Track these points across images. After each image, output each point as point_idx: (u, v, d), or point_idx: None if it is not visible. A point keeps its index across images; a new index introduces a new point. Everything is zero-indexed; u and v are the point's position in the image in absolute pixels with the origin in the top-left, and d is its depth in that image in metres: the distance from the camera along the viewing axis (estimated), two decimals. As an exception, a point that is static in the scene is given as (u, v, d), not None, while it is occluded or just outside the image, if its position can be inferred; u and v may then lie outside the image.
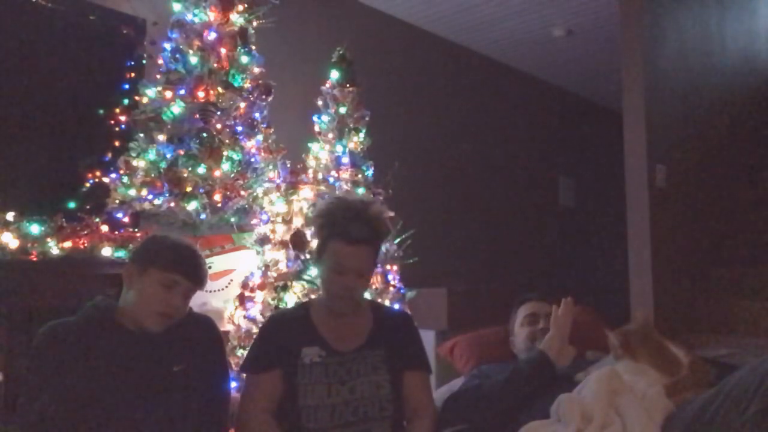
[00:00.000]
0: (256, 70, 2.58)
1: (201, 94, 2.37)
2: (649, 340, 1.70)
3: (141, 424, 1.46)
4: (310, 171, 2.81)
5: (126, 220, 2.30)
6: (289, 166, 2.66)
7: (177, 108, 2.35)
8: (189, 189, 2.27)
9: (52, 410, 1.41)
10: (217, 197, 2.31)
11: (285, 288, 2.40)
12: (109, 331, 1.51)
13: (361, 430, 1.60)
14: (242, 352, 2.23)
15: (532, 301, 2.11)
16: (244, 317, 2.34)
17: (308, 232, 2.45)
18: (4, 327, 2.03)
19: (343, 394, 1.61)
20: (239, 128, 2.44)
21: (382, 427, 1.62)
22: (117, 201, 2.31)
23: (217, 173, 2.32)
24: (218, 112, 2.37)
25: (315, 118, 2.94)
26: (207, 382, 1.59)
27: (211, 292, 2.37)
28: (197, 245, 2.28)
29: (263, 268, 2.42)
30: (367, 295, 2.45)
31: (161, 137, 2.33)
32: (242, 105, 2.47)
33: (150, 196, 2.28)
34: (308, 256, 2.45)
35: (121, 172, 2.33)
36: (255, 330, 2.24)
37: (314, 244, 2.27)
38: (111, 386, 1.45)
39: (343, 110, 2.88)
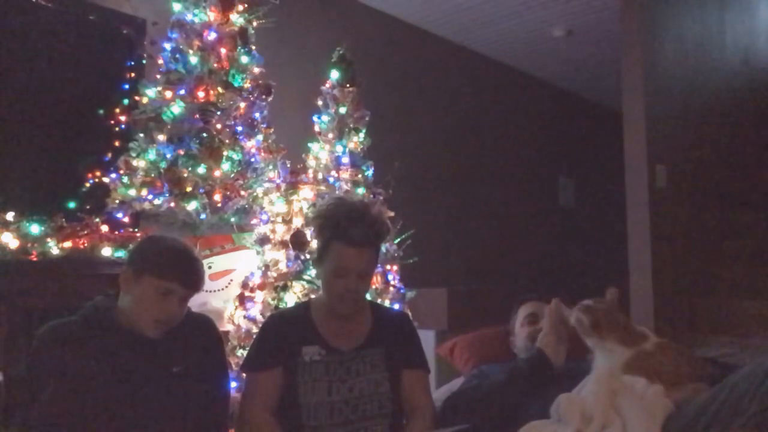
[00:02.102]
0: (256, 70, 2.57)
1: (201, 94, 2.37)
2: (611, 316, 1.70)
3: (140, 424, 1.46)
4: (310, 171, 2.81)
5: (126, 220, 2.30)
6: (289, 166, 2.66)
7: (177, 108, 2.34)
8: (189, 189, 2.27)
9: (52, 410, 1.41)
10: (217, 197, 2.31)
11: (285, 288, 2.40)
12: (109, 331, 1.50)
13: (360, 428, 1.61)
14: (242, 352, 2.23)
15: (532, 301, 2.10)
16: (244, 317, 2.33)
17: (308, 232, 2.45)
18: (4, 327, 2.03)
19: (343, 393, 1.62)
20: (239, 128, 2.44)
21: (382, 425, 1.63)
22: (117, 201, 2.31)
23: (217, 173, 2.32)
24: (218, 112, 2.37)
25: (315, 118, 2.94)
26: (206, 383, 1.59)
27: (211, 292, 2.37)
28: (197, 245, 2.30)
29: (263, 268, 2.42)
30: (367, 296, 2.46)
31: (161, 137, 2.33)
32: (242, 105, 2.47)
33: (150, 196, 2.28)
34: (308, 256, 2.45)
35: (121, 172, 2.33)
36: (255, 330, 2.24)
37: (314, 244, 2.28)
38: (110, 386, 1.45)
39: (343, 110, 2.88)
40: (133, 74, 2.73)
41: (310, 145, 2.92)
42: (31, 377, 1.47)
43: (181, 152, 2.30)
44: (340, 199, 1.77)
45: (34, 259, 2.10)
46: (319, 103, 2.94)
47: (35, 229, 2.12)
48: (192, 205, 2.27)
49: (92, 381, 1.44)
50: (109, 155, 2.50)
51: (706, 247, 3.69)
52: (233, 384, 2.13)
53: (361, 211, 1.66)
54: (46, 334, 1.48)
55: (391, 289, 2.75)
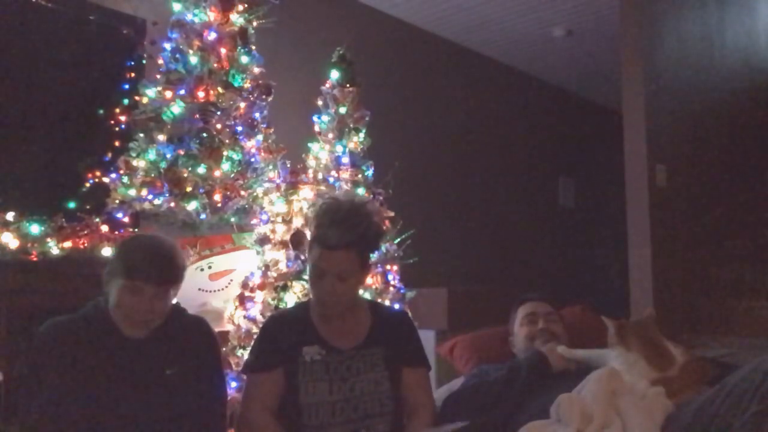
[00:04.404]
0: (256, 70, 2.57)
1: (201, 94, 2.37)
2: (646, 332, 1.70)
3: (134, 425, 1.46)
4: (310, 171, 2.81)
5: (126, 220, 2.30)
6: (289, 166, 2.66)
7: (177, 108, 2.34)
8: (189, 189, 2.27)
9: (51, 408, 1.41)
10: (217, 197, 2.31)
11: (285, 288, 2.41)
12: (105, 332, 1.51)
13: (362, 427, 1.61)
14: (242, 352, 2.24)
15: (531, 301, 2.11)
16: (244, 317, 2.34)
17: (308, 232, 2.45)
18: (4, 327, 2.03)
19: (343, 392, 1.62)
20: (239, 128, 2.44)
21: (383, 423, 1.64)
22: (117, 201, 2.31)
23: (217, 173, 2.32)
24: (218, 112, 2.37)
25: (315, 118, 2.94)
26: (201, 384, 1.59)
27: (211, 292, 2.37)
28: (197, 245, 2.30)
29: (263, 268, 2.42)
30: (367, 295, 2.46)
31: (161, 137, 2.33)
32: (242, 105, 2.47)
33: (150, 196, 2.27)
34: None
35: (121, 172, 2.33)
36: (255, 330, 2.24)
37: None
38: (106, 387, 1.46)
39: (343, 110, 2.87)
40: (133, 74, 2.73)
41: (310, 145, 2.92)
42: (31, 373, 1.47)
43: (181, 152, 2.30)
44: (331, 199, 1.73)
45: (34, 259, 2.10)
46: (319, 103, 2.93)
47: (35, 229, 2.12)
48: (192, 205, 2.27)
49: (88, 381, 1.44)
50: (109, 155, 2.50)
51: (706, 247, 3.69)
52: (233, 384, 2.13)
53: (347, 213, 1.62)
54: (46, 332, 1.49)
55: (391, 289, 2.75)
